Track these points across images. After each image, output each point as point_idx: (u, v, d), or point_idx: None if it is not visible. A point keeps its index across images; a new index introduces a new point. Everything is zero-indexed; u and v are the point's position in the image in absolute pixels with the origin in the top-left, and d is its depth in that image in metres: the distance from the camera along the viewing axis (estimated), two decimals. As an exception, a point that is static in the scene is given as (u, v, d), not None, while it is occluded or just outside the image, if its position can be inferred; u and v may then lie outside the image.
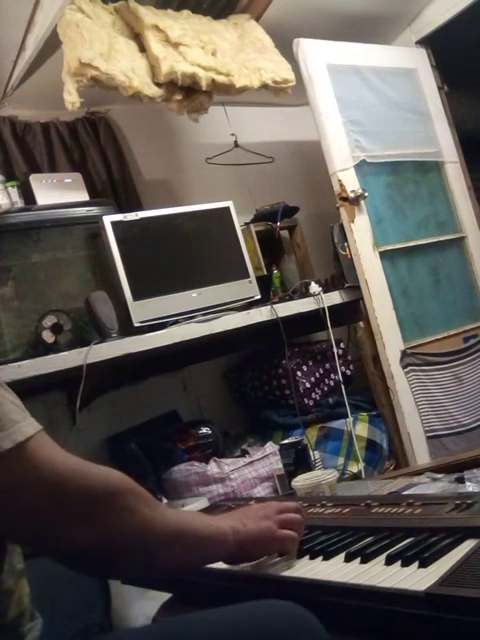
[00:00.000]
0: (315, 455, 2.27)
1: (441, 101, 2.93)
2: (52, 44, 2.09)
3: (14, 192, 2.29)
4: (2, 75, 2.27)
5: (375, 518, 1.09)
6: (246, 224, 2.67)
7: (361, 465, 2.34)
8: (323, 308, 2.41)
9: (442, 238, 2.77)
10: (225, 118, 2.91)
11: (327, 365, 2.60)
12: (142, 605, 1.39)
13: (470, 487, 1.41)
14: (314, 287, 2.46)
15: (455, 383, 2.60)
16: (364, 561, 0.92)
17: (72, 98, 2.02)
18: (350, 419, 2.40)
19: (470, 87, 3.54)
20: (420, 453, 2.44)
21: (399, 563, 0.87)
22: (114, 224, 2.10)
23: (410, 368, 2.51)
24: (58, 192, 2.32)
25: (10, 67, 2.22)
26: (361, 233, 2.52)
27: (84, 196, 2.37)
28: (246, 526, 0.96)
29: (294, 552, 1.02)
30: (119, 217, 2.13)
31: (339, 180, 2.51)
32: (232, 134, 2.90)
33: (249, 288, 2.33)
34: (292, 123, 3.18)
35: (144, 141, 2.85)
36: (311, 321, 2.47)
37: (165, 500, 2.10)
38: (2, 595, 0.82)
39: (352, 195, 2.50)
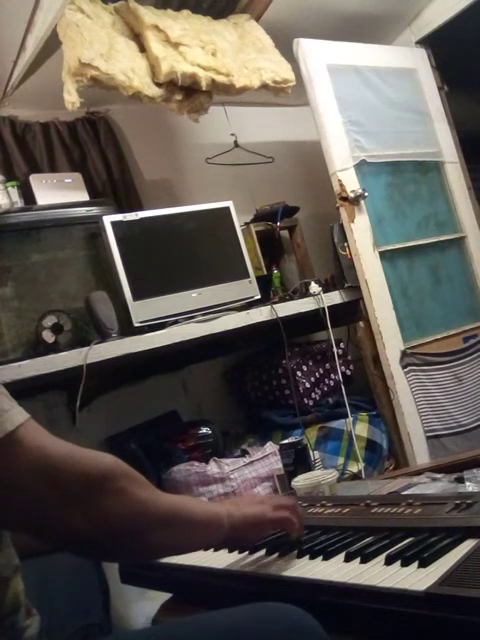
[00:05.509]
0: (315, 455, 2.27)
1: (441, 101, 2.93)
2: (52, 44, 2.09)
3: (14, 192, 2.29)
4: (2, 75, 2.27)
5: (375, 518, 1.09)
6: (246, 224, 2.67)
7: (361, 465, 2.34)
8: (323, 308, 2.41)
9: (442, 238, 2.77)
10: (225, 118, 2.91)
11: (327, 365, 2.60)
12: (142, 605, 1.39)
13: (470, 487, 1.41)
14: (314, 287, 2.46)
15: (455, 383, 2.60)
16: (364, 561, 0.92)
17: (72, 98, 2.02)
18: (350, 419, 2.40)
19: (470, 87, 3.54)
20: (420, 453, 2.44)
21: (399, 563, 0.87)
22: (114, 224, 2.10)
23: (410, 368, 2.51)
24: (58, 192, 2.32)
25: (10, 67, 2.22)
26: (361, 233, 2.52)
27: (84, 196, 2.37)
28: (241, 510, 0.98)
29: (297, 540, 1.04)
30: (119, 217, 2.13)
31: (339, 180, 2.51)
32: (232, 134, 2.90)
33: (249, 288, 2.33)
34: (292, 123, 3.18)
35: (144, 141, 2.85)
36: (311, 321, 2.47)
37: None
38: None
39: (352, 195, 2.50)
